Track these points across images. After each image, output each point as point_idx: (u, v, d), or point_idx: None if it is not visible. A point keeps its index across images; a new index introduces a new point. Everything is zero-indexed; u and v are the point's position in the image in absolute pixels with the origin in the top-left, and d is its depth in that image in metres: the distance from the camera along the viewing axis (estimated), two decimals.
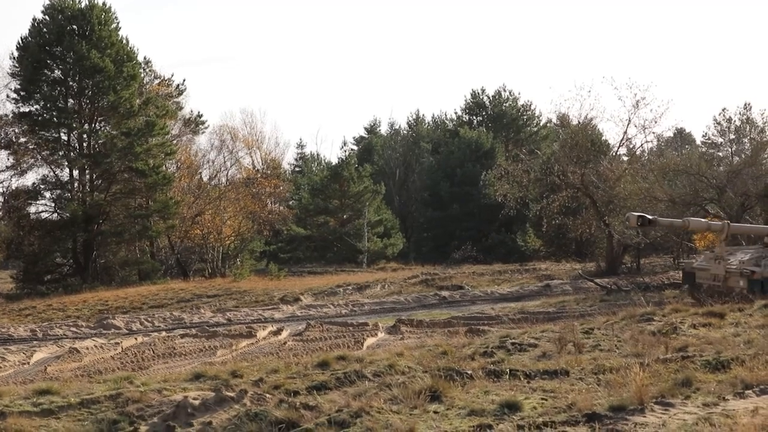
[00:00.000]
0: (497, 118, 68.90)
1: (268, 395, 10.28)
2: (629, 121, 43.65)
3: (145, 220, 45.72)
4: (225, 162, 57.33)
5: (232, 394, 10.12)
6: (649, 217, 23.28)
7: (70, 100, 44.48)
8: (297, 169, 75.59)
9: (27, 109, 44.45)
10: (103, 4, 44.49)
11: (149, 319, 26.54)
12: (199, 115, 55.72)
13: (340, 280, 39.36)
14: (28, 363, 18.52)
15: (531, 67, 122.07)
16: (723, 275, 24.04)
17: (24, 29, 52.18)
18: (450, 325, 22.22)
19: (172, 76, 54.71)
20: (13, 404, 10.07)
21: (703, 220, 24.85)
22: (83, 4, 44.14)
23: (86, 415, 9.81)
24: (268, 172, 60.47)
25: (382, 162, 72.37)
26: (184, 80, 55.43)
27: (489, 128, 67.03)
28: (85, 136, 44.71)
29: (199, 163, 56.31)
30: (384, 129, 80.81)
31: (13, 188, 45.88)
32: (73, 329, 25.05)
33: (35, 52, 43.20)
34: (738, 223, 26.32)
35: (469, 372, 11.37)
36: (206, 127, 56.78)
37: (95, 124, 45.32)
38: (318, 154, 77.69)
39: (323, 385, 11.02)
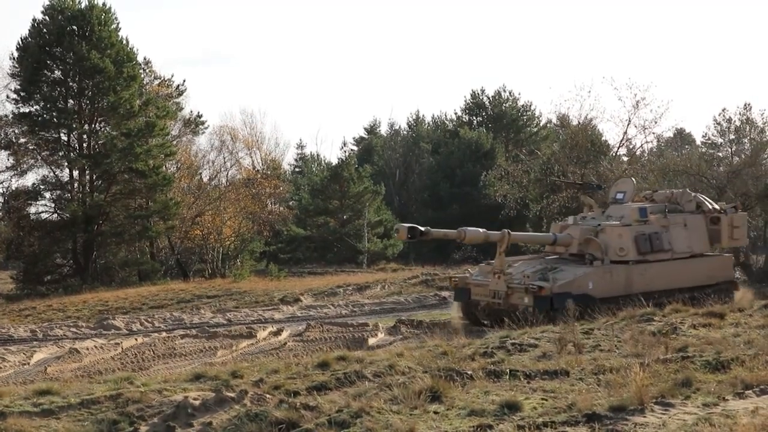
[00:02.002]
0: (497, 119, 68.93)
1: (268, 396, 10.29)
2: (629, 121, 43.74)
3: (145, 221, 45.72)
4: (225, 162, 57.37)
5: (232, 395, 10.12)
6: (421, 228, 20.39)
7: (70, 101, 44.48)
8: (297, 169, 75.59)
9: (27, 110, 44.45)
10: (103, 4, 44.50)
11: (149, 320, 26.53)
12: (199, 116, 55.75)
13: (340, 281, 39.34)
14: (29, 363, 18.52)
15: (531, 68, 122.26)
16: (504, 291, 21.51)
17: (24, 30, 52.19)
18: (450, 326, 22.26)
19: (172, 76, 54.73)
20: (13, 404, 10.08)
21: (480, 230, 21.81)
22: (83, 5, 44.15)
23: (86, 416, 9.82)
24: (268, 172, 60.45)
25: (382, 162, 72.37)
26: (184, 81, 55.42)
27: (489, 129, 67.06)
28: (85, 136, 44.72)
29: (199, 163, 56.34)
30: (384, 129, 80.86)
31: (13, 189, 45.92)
32: (74, 330, 25.04)
33: (35, 53, 43.20)
34: (518, 233, 23.66)
35: (470, 372, 11.37)
36: (206, 128, 56.82)
37: (95, 124, 45.33)
38: (318, 155, 77.72)
39: (323, 386, 11.03)
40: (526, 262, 23.23)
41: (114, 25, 44.78)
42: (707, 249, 24.34)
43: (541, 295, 20.74)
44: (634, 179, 26.87)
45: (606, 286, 21.58)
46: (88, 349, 19.69)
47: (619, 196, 24.40)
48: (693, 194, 25.16)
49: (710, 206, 24.65)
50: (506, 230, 22.15)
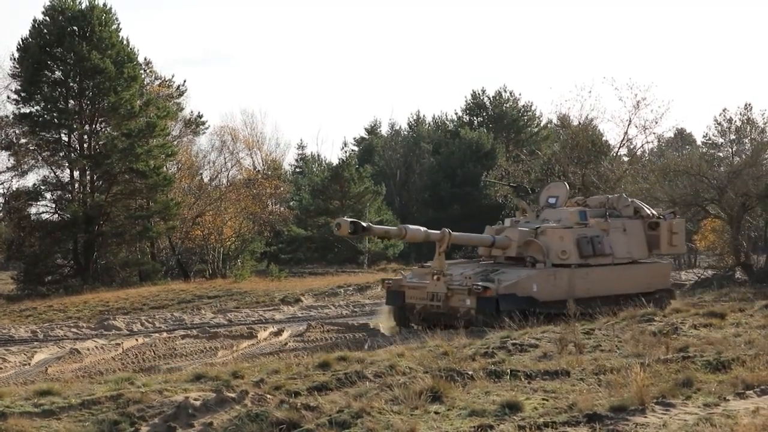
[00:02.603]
0: (498, 119, 68.98)
1: (269, 396, 10.29)
2: (630, 121, 43.76)
3: (146, 221, 45.73)
4: (226, 163, 57.37)
5: (233, 395, 10.12)
6: (363, 224, 19.68)
7: (71, 101, 44.48)
8: (297, 169, 75.58)
9: (27, 110, 44.47)
10: (104, 5, 44.52)
11: (150, 320, 26.56)
12: (200, 116, 55.78)
13: (341, 281, 39.37)
14: (29, 364, 18.51)
15: (532, 68, 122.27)
16: (444, 293, 20.60)
17: (24, 30, 52.12)
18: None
19: (173, 77, 54.77)
20: (14, 405, 10.07)
21: (421, 228, 21.04)
22: (84, 5, 44.16)
23: (87, 416, 9.82)
24: (269, 172, 60.46)
25: (382, 163, 72.38)
26: (184, 81, 55.41)
27: (489, 129, 67.10)
28: (85, 137, 44.74)
29: (200, 164, 56.36)
30: (384, 130, 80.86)
31: (14, 189, 45.92)
32: (74, 330, 25.07)
33: (36, 53, 43.20)
34: (458, 233, 22.44)
35: (470, 372, 11.38)
36: (207, 128, 56.85)
37: (96, 125, 45.34)
38: (318, 155, 77.72)
39: (324, 386, 11.03)
40: (463, 265, 22.52)
41: (114, 26, 44.80)
42: (646, 255, 23.82)
43: (485, 297, 19.94)
44: (566, 183, 26.10)
45: (549, 289, 20.93)
46: (88, 349, 19.67)
47: (552, 200, 23.69)
48: (630, 199, 24.74)
49: (648, 212, 24.19)
50: (446, 229, 21.34)
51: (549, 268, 21.32)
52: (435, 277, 20.94)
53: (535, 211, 23.65)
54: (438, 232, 21.23)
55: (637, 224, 23.65)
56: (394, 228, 21.42)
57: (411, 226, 21.15)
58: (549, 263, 21.47)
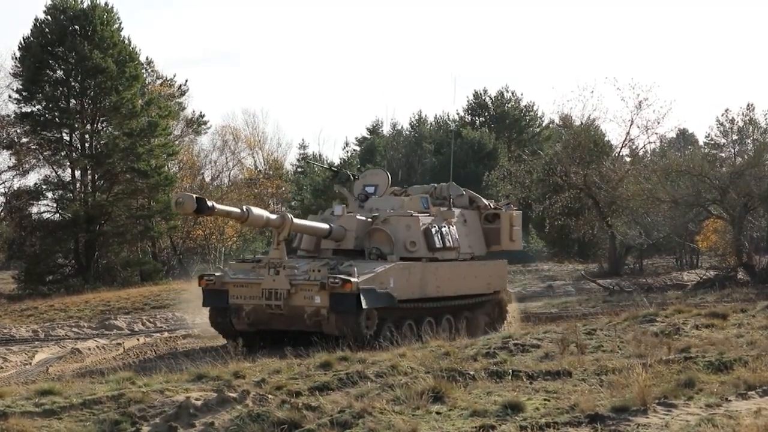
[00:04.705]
0: (500, 119, 68.91)
1: (270, 396, 10.28)
2: (632, 121, 43.85)
3: (147, 221, 45.72)
4: (227, 162, 57.41)
5: (234, 395, 10.12)
6: (209, 202, 16.59)
7: (72, 101, 44.45)
8: (299, 169, 75.57)
9: (29, 110, 44.44)
10: (105, 4, 44.51)
11: (151, 320, 26.57)
12: (201, 116, 55.80)
13: None
14: (30, 363, 18.53)
15: (534, 68, 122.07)
16: (286, 290, 17.46)
17: (26, 29, 52.09)
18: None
19: (174, 76, 54.77)
20: (15, 405, 10.07)
21: (264, 213, 18.31)
22: (85, 5, 44.14)
23: (88, 416, 9.82)
24: (270, 172, 60.47)
25: (384, 162, 72.29)
26: (186, 81, 55.43)
27: (491, 129, 67.04)
28: (87, 136, 44.72)
29: (202, 163, 56.41)
30: (386, 129, 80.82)
31: (15, 189, 45.91)
32: (75, 330, 25.08)
33: (37, 53, 43.19)
34: (300, 220, 19.72)
35: (472, 373, 11.37)
36: (208, 128, 56.86)
37: (97, 124, 45.32)
38: (320, 155, 77.68)
39: (325, 386, 11.03)
40: (294, 260, 19.02)
41: (116, 25, 44.78)
42: (484, 251, 21.65)
43: (344, 292, 16.87)
44: (386, 171, 22.82)
45: (404, 285, 18.34)
46: (89, 349, 19.70)
47: (369, 189, 21.07)
48: (463, 189, 22.36)
49: (485, 202, 22.06)
50: (288, 214, 18.64)
51: (403, 262, 18.72)
52: (273, 270, 17.73)
53: (356, 200, 20.89)
54: (277, 216, 18.43)
55: (474, 216, 21.46)
56: (236, 209, 18.00)
57: (255, 209, 18.17)
58: (396, 256, 18.76)
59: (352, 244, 19.16)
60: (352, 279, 16.92)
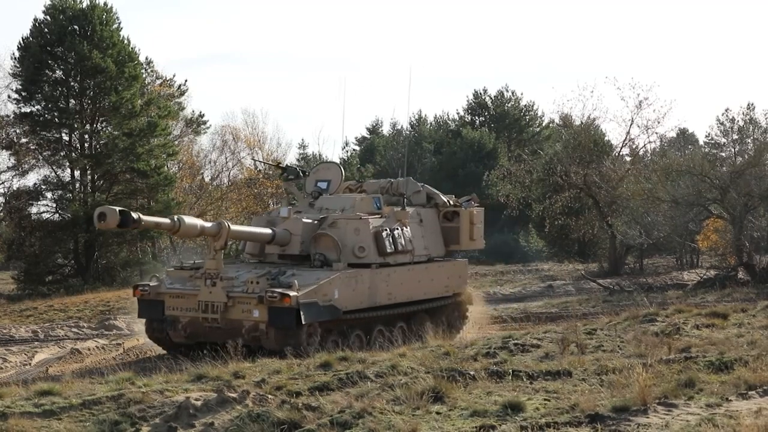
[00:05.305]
0: (500, 119, 68.92)
1: (270, 396, 10.28)
2: (632, 121, 43.78)
3: None
4: (227, 162, 57.34)
5: (234, 395, 10.11)
6: (134, 215, 15.52)
7: (72, 101, 44.42)
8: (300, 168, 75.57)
9: (28, 110, 44.40)
10: (105, 4, 44.48)
11: None
12: (201, 116, 55.78)
13: None
14: (30, 364, 18.53)
15: (533, 68, 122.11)
16: (223, 303, 16.55)
17: (25, 29, 52.03)
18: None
19: (174, 76, 54.71)
20: (14, 405, 10.07)
21: (197, 221, 17.12)
22: (84, 5, 44.11)
23: (88, 416, 9.81)
24: (270, 172, 60.43)
25: (384, 162, 72.37)
26: (185, 80, 55.37)
27: (491, 129, 67.05)
28: (86, 136, 44.69)
29: (201, 163, 56.34)
30: (386, 129, 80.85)
31: (15, 189, 45.85)
32: (75, 330, 25.06)
33: (36, 53, 43.16)
34: (238, 226, 19.05)
35: (472, 373, 11.36)
36: (208, 128, 56.81)
37: (97, 124, 45.27)
38: (320, 155, 77.71)
39: (325, 386, 11.03)
40: (236, 267, 18.17)
41: (115, 25, 44.75)
42: (442, 252, 20.57)
43: (283, 306, 15.93)
44: (340, 165, 21.91)
45: (351, 295, 17.30)
46: (89, 349, 19.70)
47: (322, 185, 19.97)
48: (421, 184, 21.30)
49: (444, 199, 20.84)
50: (224, 222, 17.48)
51: (348, 269, 17.57)
52: (209, 281, 16.83)
53: (306, 198, 19.92)
54: (213, 224, 17.32)
55: (432, 214, 20.39)
56: (167, 220, 16.77)
57: (187, 218, 16.83)
58: (344, 263, 17.70)
59: (297, 249, 18.07)
60: (291, 293, 15.93)
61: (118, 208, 15.39)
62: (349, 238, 18.01)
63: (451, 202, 20.84)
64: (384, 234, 18.25)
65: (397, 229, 18.63)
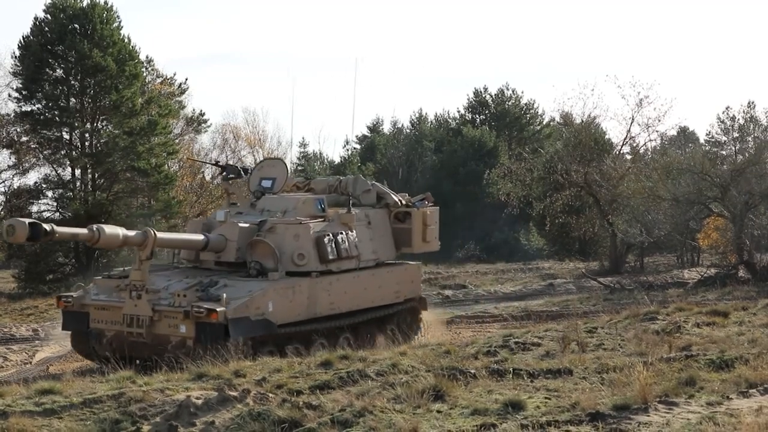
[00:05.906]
0: (500, 117, 68.92)
1: (271, 394, 10.28)
2: (633, 119, 43.67)
3: (148, 220, 45.59)
4: (228, 161, 57.30)
5: (234, 394, 10.11)
6: (46, 227, 14.19)
7: (72, 99, 44.41)
8: (300, 168, 75.56)
9: (29, 108, 44.40)
10: (105, 2, 44.48)
11: None
12: (202, 114, 55.81)
13: None
14: (31, 362, 18.54)
15: (534, 66, 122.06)
16: (149, 317, 15.51)
17: (25, 28, 52.05)
18: (453, 324, 22.23)
19: (175, 74, 54.72)
20: (15, 404, 10.07)
21: (119, 231, 15.61)
22: (85, 3, 44.10)
23: (89, 415, 9.81)
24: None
25: (384, 161, 72.37)
26: (186, 79, 55.36)
27: (492, 127, 67.04)
28: (87, 135, 44.69)
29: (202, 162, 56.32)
30: (387, 128, 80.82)
31: (15, 187, 45.87)
32: None
33: (37, 51, 43.16)
34: (166, 234, 18.47)
35: (473, 371, 11.36)
36: (209, 126, 56.84)
37: (97, 123, 45.26)
38: (321, 153, 77.68)
39: (326, 385, 11.02)
40: (164, 276, 16.89)
41: (116, 24, 44.75)
42: (393, 255, 19.57)
43: (210, 322, 14.86)
44: (285, 161, 20.71)
45: (287, 307, 16.14)
46: None
47: (266, 183, 18.70)
48: (371, 182, 20.23)
49: (395, 198, 19.65)
50: (150, 230, 16.27)
51: (284, 279, 16.46)
52: (134, 294, 15.76)
53: (249, 198, 18.69)
54: (138, 233, 16.05)
55: (382, 215, 19.25)
56: (83, 231, 15.39)
57: (107, 228, 15.47)
58: (282, 271, 16.54)
59: (233, 257, 16.86)
60: (218, 308, 14.88)
61: (27, 221, 14.23)
62: (288, 245, 16.80)
63: (403, 202, 19.76)
64: (326, 239, 17.13)
65: (341, 233, 17.53)
